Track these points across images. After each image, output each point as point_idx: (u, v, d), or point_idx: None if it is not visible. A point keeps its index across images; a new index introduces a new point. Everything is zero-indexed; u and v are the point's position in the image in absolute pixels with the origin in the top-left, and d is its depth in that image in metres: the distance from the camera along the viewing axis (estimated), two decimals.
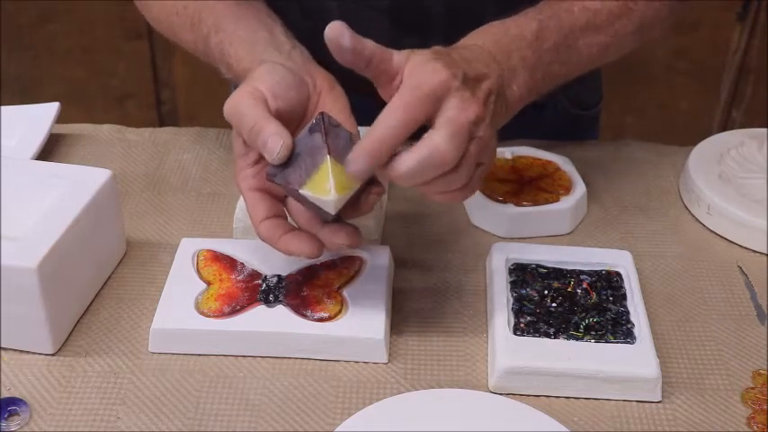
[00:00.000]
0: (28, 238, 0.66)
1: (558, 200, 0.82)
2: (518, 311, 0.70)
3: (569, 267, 0.74)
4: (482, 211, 0.82)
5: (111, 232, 0.76)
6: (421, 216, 0.84)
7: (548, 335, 0.68)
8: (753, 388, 0.67)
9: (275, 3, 0.80)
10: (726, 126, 2.00)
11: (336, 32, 0.60)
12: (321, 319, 0.69)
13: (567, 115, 1.01)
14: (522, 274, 0.73)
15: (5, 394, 0.65)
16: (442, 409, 0.63)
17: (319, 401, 0.65)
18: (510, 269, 0.74)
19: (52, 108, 0.92)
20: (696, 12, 1.86)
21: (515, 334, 0.68)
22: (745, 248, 0.81)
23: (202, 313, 0.69)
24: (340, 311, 0.69)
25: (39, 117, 0.91)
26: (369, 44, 0.61)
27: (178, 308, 0.70)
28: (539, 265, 0.74)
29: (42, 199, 0.71)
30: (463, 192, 0.64)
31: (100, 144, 0.93)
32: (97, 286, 0.74)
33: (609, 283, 0.73)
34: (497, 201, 0.81)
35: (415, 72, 0.61)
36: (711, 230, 0.83)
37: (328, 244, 0.65)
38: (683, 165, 0.88)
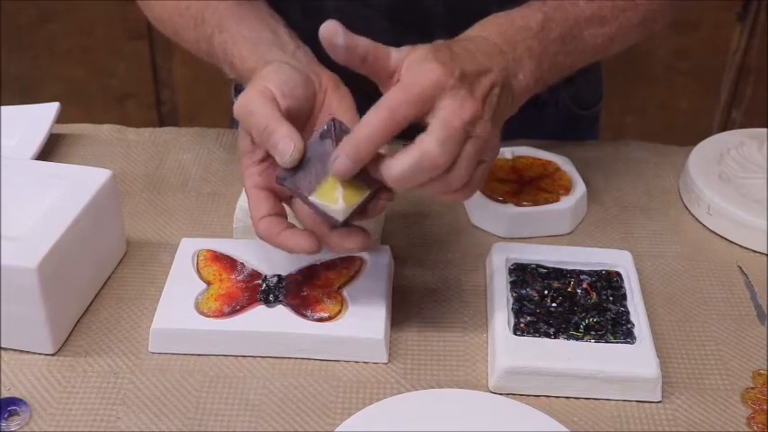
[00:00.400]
0: (28, 238, 0.66)
1: (558, 200, 0.82)
2: (518, 311, 0.70)
3: (569, 267, 0.74)
4: (482, 211, 0.82)
5: (111, 232, 0.76)
6: (421, 216, 0.84)
7: (548, 335, 0.68)
8: (753, 388, 0.67)
9: (276, 3, 0.80)
10: (726, 126, 2.00)
11: (330, 31, 0.60)
12: (321, 319, 0.69)
13: (567, 115, 1.01)
14: (522, 274, 0.73)
15: (5, 394, 0.65)
16: (442, 409, 0.63)
17: (319, 401, 0.65)
18: (510, 269, 0.74)
19: (52, 108, 0.92)
20: (696, 12, 1.86)
21: (515, 334, 0.68)
22: (745, 248, 0.81)
23: (202, 313, 0.69)
24: (340, 311, 0.69)
25: (39, 117, 0.91)
26: (362, 41, 0.61)
27: (178, 308, 0.70)
28: (539, 265, 0.74)
29: (42, 199, 0.71)
30: (464, 191, 0.63)
31: (100, 144, 0.93)
32: (97, 286, 0.74)
33: (609, 283, 0.73)
34: (497, 201, 0.82)
35: (410, 71, 0.61)
36: (711, 230, 0.83)
37: (337, 248, 0.65)
38: (683, 165, 0.88)
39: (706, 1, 1.79)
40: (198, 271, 0.73)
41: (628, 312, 0.70)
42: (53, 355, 0.69)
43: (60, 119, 0.93)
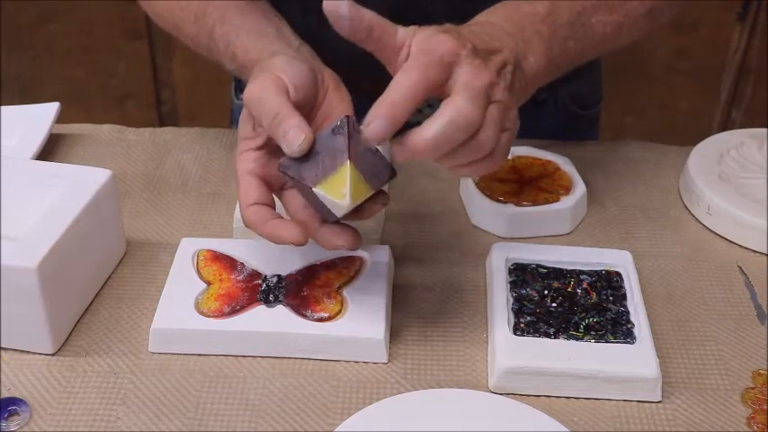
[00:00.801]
0: (28, 238, 0.66)
1: (558, 200, 0.82)
2: (518, 311, 0.70)
3: (569, 267, 0.74)
4: (482, 211, 0.82)
5: (111, 232, 0.76)
6: (421, 216, 0.84)
7: (548, 335, 0.68)
8: (753, 388, 0.67)
9: (276, 2, 0.80)
10: (726, 126, 2.00)
11: (334, 3, 0.59)
12: (321, 319, 0.69)
13: (567, 115, 1.01)
14: (522, 274, 0.73)
15: (5, 394, 0.65)
16: (442, 409, 0.63)
17: (319, 401, 0.65)
18: (510, 269, 0.74)
19: (52, 108, 0.92)
20: (696, 12, 1.86)
21: (515, 334, 0.68)
22: (745, 248, 0.81)
23: (202, 313, 0.69)
24: (340, 311, 0.69)
25: (39, 117, 0.91)
26: (368, 14, 0.61)
27: (178, 308, 0.70)
28: (539, 265, 0.74)
29: (42, 199, 0.71)
30: (491, 160, 0.63)
31: (100, 144, 0.93)
32: (97, 286, 0.74)
33: (609, 283, 0.73)
34: (497, 201, 0.82)
35: (423, 43, 0.61)
36: (711, 230, 0.83)
37: (326, 244, 0.65)
38: (683, 165, 0.88)
39: (706, 1, 1.79)
40: (198, 271, 0.73)
41: (628, 312, 0.70)
42: (53, 355, 0.69)
43: (60, 119, 0.93)
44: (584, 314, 0.70)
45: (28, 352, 0.69)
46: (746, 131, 0.92)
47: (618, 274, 0.74)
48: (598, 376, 0.65)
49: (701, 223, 0.84)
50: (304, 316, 0.69)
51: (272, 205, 0.66)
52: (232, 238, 0.79)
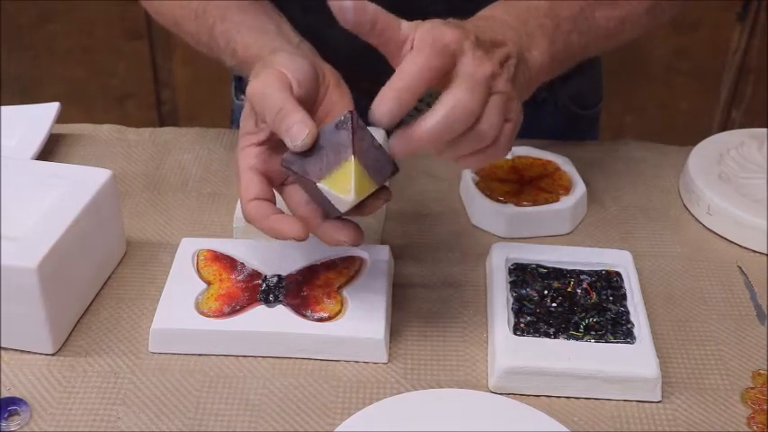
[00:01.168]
0: (28, 238, 0.66)
1: (558, 200, 0.82)
2: (518, 311, 0.70)
3: (569, 267, 0.74)
4: (482, 211, 0.82)
5: (111, 232, 0.76)
6: (421, 216, 0.84)
7: (548, 335, 0.68)
8: (753, 388, 0.67)
9: (277, 2, 0.80)
10: (726, 126, 2.00)
11: None
12: (321, 319, 0.69)
13: (567, 115, 1.01)
14: (522, 274, 0.73)
15: (5, 394, 0.65)
16: (442, 409, 0.63)
17: (319, 401, 0.65)
18: (510, 269, 0.74)
19: (52, 108, 0.92)
20: (696, 12, 1.86)
21: (515, 334, 0.68)
22: (745, 248, 0.81)
23: (202, 313, 0.69)
24: (340, 311, 0.69)
25: (39, 117, 0.91)
26: (372, 6, 0.61)
27: (178, 308, 0.70)
28: (539, 265, 0.74)
29: (42, 199, 0.71)
30: (494, 150, 0.63)
31: (100, 144, 0.93)
32: (97, 286, 0.74)
33: (609, 283, 0.73)
34: (497, 201, 0.82)
35: (427, 33, 0.61)
36: (711, 230, 0.83)
37: (328, 239, 0.65)
38: (683, 165, 0.88)
39: (706, 1, 1.79)
40: (198, 271, 0.73)
41: (628, 312, 0.70)
42: (53, 354, 0.69)
43: (60, 119, 0.93)
44: (584, 314, 0.70)
45: (28, 352, 0.69)
46: (746, 131, 0.92)
47: (618, 274, 0.74)
48: (598, 376, 0.65)
49: (700, 223, 0.84)
50: (304, 316, 0.69)
51: (272, 201, 0.66)
52: (232, 238, 0.79)
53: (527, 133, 0.89)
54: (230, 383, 0.67)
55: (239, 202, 0.79)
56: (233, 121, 1.10)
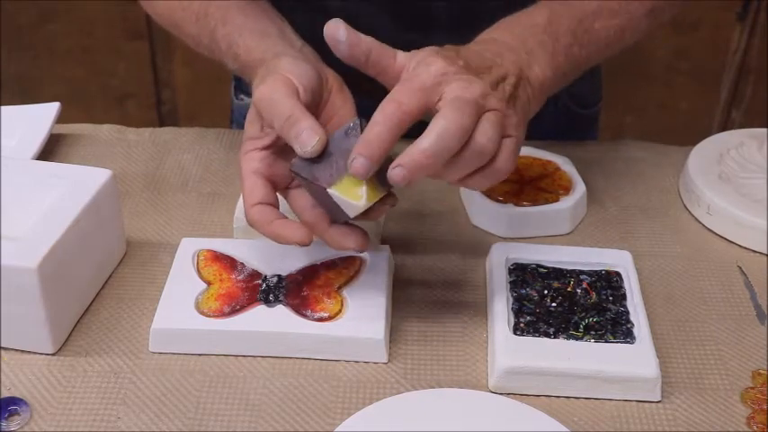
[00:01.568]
0: (28, 238, 0.66)
1: (557, 200, 0.82)
2: (518, 311, 0.70)
3: (569, 267, 0.74)
4: (482, 211, 0.82)
5: (111, 232, 0.76)
6: (421, 216, 0.84)
7: (548, 335, 0.68)
8: (752, 388, 0.67)
9: (277, 2, 0.80)
10: (726, 126, 2.00)
11: (333, 28, 0.61)
12: (321, 319, 0.69)
13: (566, 113, 1.01)
14: (521, 274, 0.73)
15: (6, 394, 0.65)
16: (442, 409, 0.63)
17: (319, 401, 0.65)
18: (510, 269, 0.74)
19: (52, 108, 0.92)
20: (696, 12, 1.86)
21: (515, 334, 0.68)
22: (745, 248, 0.81)
23: (202, 313, 0.69)
24: (340, 311, 0.69)
25: (39, 117, 0.91)
26: (366, 39, 0.62)
27: (178, 308, 0.70)
28: (539, 265, 0.74)
29: (42, 199, 0.71)
30: (495, 167, 0.63)
31: (100, 144, 0.93)
32: (97, 286, 0.74)
33: (609, 282, 0.73)
34: (497, 201, 0.82)
35: (414, 68, 0.62)
36: (711, 230, 0.83)
37: (335, 245, 0.65)
38: (683, 165, 0.88)
39: (706, 1, 1.79)
40: (198, 271, 0.73)
41: (627, 312, 0.70)
42: (53, 354, 0.69)
43: (60, 119, 0.93)
44: (583, 314, 0.70)
45: (28, 352, 0.69)
46: (746, 131, 0.92)
47: (618, 274, 0.74)
48: (598, 376, 0.65)
49: (700, 223, 0.84)
50: (304, 316, 0.69)
51: (276, 205, 0.66)
52: (232, 238, 0.79)
53: (527, 133, 0.90)
54: (230, 383, 0.67)
55: (239, 202, 0.79)
56: (233, 121, 1.10)
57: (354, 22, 0.62)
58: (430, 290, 0.75)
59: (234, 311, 0.69)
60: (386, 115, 0.60)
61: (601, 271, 0.74)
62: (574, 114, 1.02)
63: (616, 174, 0.90)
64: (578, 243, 0.80)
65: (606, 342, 0.67)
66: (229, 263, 0.74)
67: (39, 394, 0.65)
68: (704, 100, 1.99)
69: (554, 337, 0.68)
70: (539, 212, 0.81)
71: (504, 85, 0.64)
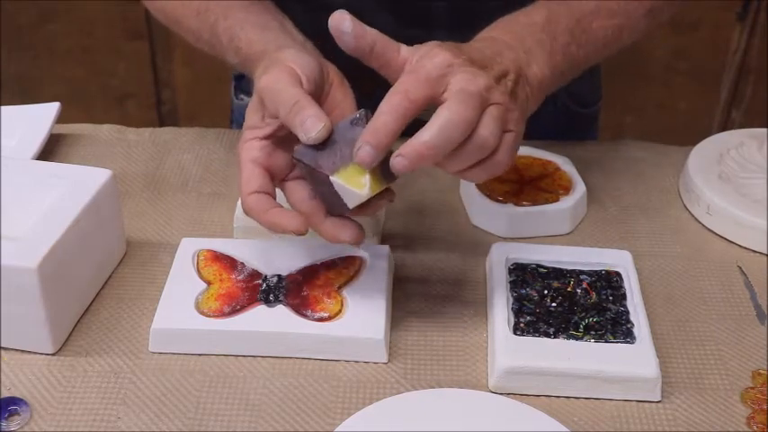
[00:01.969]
0: (28, 238, 0.66)
1: (557, 200, 0.82)
2: (518, 311, 0.70)
3: (569, 267, 0.74)
4: (482, 211, 0.82)
5: (111, 232, 0.76)
6: (421, 216, 0.84)
7: (548, 335, 0.68)
8: (752, 388, 0.67)
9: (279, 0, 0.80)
10: (726, 126, 2.00)
11: (338, 19, 0.61)
12: (321, 319, 0.69)
13: (566, 113, 1.01)
14: (521, 274, 0.73)
15: (6, 394, 0.65)
16: (442, 409, 0.63)
17: (319, 401, 0.65)
18: (510, 269, 0.74)
19: (52, 108, 0.92)
20: (696, 12, 1.86)
21: (515, 334, 0.68)
22: (745, 248, 0.81)
23: (202, 313, 0.69)
24: (340, 311, 0.69)
25: (39, 117, 0.91)
26: (371, 31, 0.62)
27: (178, 308, 0.70)
28: (539, 265, 0.74)
29: (42, 199, 0.71)
30: (495, 160, 0.63)
31: (100, 144, 0.93)
32: (97, 286, 0.74)
33: (609, 282, 0.73)
34: (497, 201, 0.82)
35: (419, 59, 0.62)
36: (711, 230, 0.83)
37: (330, 237, 0.65)
38: (683, 165, 0.88)
39: (706, 1, 1.79)
40: (198, 271, 0.73)
41: (627, 312, 0.70)
42: (53, 354, 0.69)
43: (60, 119, 0.93)
44: (583, 314, 0.70)
45: (28, 352, 0.69)
46: (746, 131, 0.92)
47: (618, 273, 0.74)
48: (598, 376, 0.65)
49: (700, 223, 0.84)
50: (304, 316, 0.69)
51: (273, 195, 0.66)
52: (232, 238, 0.79)
53: (527, 133, 0.89)
54: (230, 383, 0.67)
55: (239, 201, 0.79)
56: (233, 121, 1.10)
57: (355, 17, 0.63)
58: (430, 290, 0.75)
59: (234, 311, 0.69)
60: (392, 105, 0.60)
61: (601, 271, 0.74)
62: (573, 114, 1.02)
63: (616, 174, 0.90)
64: (578, 243, 0.80)
65: (606, 342, 0.67)
66: (229, 263, 0.74)
67: (39, 394, 0.65)
68: (704, 100, 1.99)
69: (554, 337, 0.68)
70: (539, 212, 0.81)
71: (505, 81, 0.64)
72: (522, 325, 0.69)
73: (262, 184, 0.65)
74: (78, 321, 0.71)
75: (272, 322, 0.69)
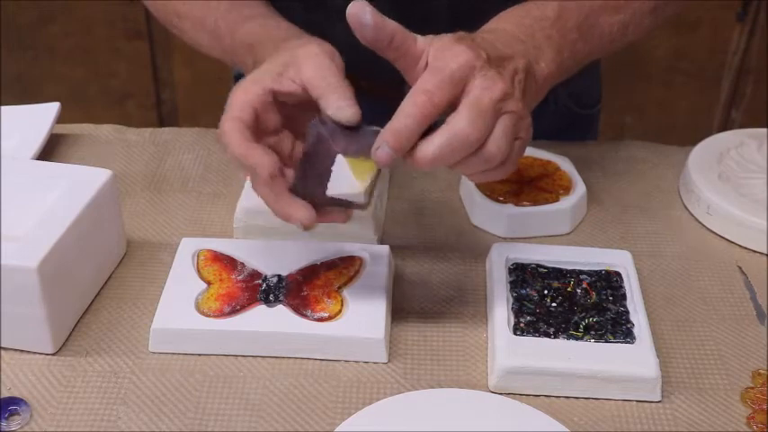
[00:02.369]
0: (28, 238, 0.66)
1: (557, 200, 0.82)
2: (518, 311, 0.70)
3: (569, 267, 0.74)
4: (482, 211, 0.82)
5: (111, 232, 0.76)
6: (421, 216, 0.84)
7: (548, 335, 0.68)
8: (752, 388, 0.67)
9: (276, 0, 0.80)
10: (726, 126, 2.00)
11: (358, 9, 0.60)
12: (321, 319, 0.69)
13: (566, 114, 1.01)
14: (521, 274, 0.73)
15: (6, 394, 0.65)
16: (442, 409, 0.63)
17: (319, 401, 0.65)
18: (510, 269, 0.74)
19: (52, 108, 0.92)
20: (696, 12, 1.86)
21: (515, 334, 0.68)
22: (745, 248, 0.81)
23: (203, 313, 0.69)
24: (340, 311, 0.69)
25: (39, 117, 0.91)
26: (390, 23, 0.61)
27: (178, 308, 0.70)
28: (539, 265, 0.74)
29: (42, 199, 0.71)
30: (502, 168, 0.63)
31: (100, 144, 0.93)
32: (97, 286, 0.74)
33: (608, 282, 0.73)
34: (497, 201, 0.82)
35: (439, 55, 0.62)
36: (711, 230, 0.83)
37: (282, 212, 0.64)
38: (683, 165, 0.88)
39: (706, 1, 1.79)
40: (198, 271, 0.73)
41: (627, 312, 0.70)
42: (53, 354, 0.69)
43: (60, 119, 0.93)
44: (583, 314, 0.70)
45: (28, 352, 0.69)
46: (746, 131, 0.92)
47: (618, 273, 0.74)
48: (598, 376, 0.65)
49: (700, 223, 0.84)
50: (304, 316, 0.69)
51: (252, 130, 0.64)
52: (232, 238, 0.79)
53: None
54: (230, 383, 0.67)
55: (239, 202, 0.79)
56: None
57: None
58: (430, 290, 0.75)
59: (234, 311, 0.69)
60: (417, 107, 0.60)
61: (601, 271, 0.74)
62: (574, 115, 1.02)
63: (616, 174, 0.90)
64: (578, 243, 0.80)
65: (606, 342, 0.67)
66: (229, 263, 0.74)
67: (39, 394, 0.65)
68: (704, 100, 1.99)
69: (554, 337, 0.68)
70: (539, 212, 0.81)
71: (518, 79, 0.64)
72: (522, 325, 0.69)
73: (247, 115, 0.64)
74: (78, 321, 0.71)
75: (271, 322, 0.69)
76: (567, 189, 0.83)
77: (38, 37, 1.95)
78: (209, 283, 0.72)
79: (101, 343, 0.70)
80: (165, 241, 0.80)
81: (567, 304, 0.71)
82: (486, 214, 0.82)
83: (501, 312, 0.69)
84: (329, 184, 0.62)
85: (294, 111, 0.68)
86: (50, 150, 0.91)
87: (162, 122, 2.04)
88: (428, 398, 0.64)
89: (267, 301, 0.70)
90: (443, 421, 0.62)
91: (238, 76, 1.05)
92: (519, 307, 0.70)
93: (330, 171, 0.62)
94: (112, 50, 1.97)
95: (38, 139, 0.88)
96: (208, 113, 1.97)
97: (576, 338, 0.68)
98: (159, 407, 0.65)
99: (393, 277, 0.75)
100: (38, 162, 0.82)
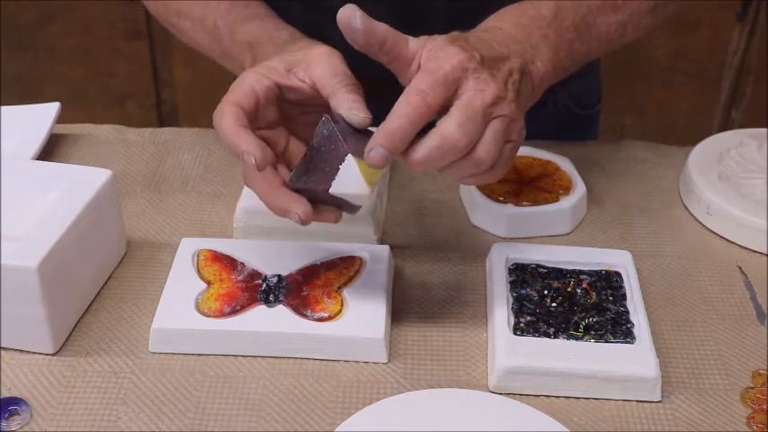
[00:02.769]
0: (28, 238, 0.66)
1: (557, 200, 0.82)
2: (518, 311, 0.70)
3: (569, 267, 0.74)
4: (482, 211, 0.82)
5: (111, 232, 0.76)
6: (421, 216, 0.84)
7: (548, 335, 0.68)
8: (752, 388, 0.67)
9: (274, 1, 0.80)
10: (726, 126, 2.00)
11: (348, 14, 0.60)
12: (321, 319, 0.69)
13: (566, 114, 1.01)
14: (521, 274, 0.73)
15: (6, 394, 0.65)
16: (442, 409, 0.63)
17: (319, 401, 0.65)
18: (510, 269, 0.74)
19: (52, 108, 0.92)
20: (696, 12, 1.86)
21: (515, 334, 0.68)
22: (745, 248, 0.81)
23: (203, 313, 0.69)
24: (340, 311, 0.69)
25: (39, 117, 0.91)
26: (381, 26, 0.61)
27: (178, 308, 0.70)
28: (539, 265, 0.74)
29: (42, 199, 0.71)
30: (493, 171, 0.64)
31: (100, 144, 0.93)
32: (97, 286, 0.74)
33: (609, 282, 0.73)
34: (497, 201, 0.82)
35: (432, 56, 0.62)
36: (711, 230, 0.83)
37: (277, 207, 0.64)
38: (683, 165, 0.88)
39: (706, 1, 1.79)
40: (198, 271, 0.73)
41: (627, 312, 0.70)
42: (53, 354, 0.69)
43: (60, 119, 0.93)
44: (583, 314, 0.70)
45: (28, 352, 0.69)
46: (746, 131, 0.92)
47: (618, 273, 0.74)
48: (598, 376, 0.65)
49: (700, 223, 0.84)
50: (304, 316, 0.69)
51: (250, 118, 0.64)
52: (232, 238, 0.79)
53: (526, 133, 0.90)
54: (230, 383, 0.67)
55: (239, 202, 0.79)
56: None
57: None
58: (430, 290, 0.75)
59: (234, 311, 0.69)
60: (411, 107, 0.60)
61: (601, 271, 0.74)
62: (573, 115, 1.02)
63: (616, 174, 0.90)
64: (578, 243, 0.80)
65: (606, 342, 0.67)
66: (229, 263, 0.74)
67: (39, 394, 0.65)
68: (704, 100, 1.99)
69: (554, 337, 0.68)
70: (539, 212, 0.81)
71: (512, 80, 0.64)
72: (522, 325, 0.69)
73: (249, 103, 0.64)
74: (78, 321, 0.71)
75: (271, 322, 0.69)
76: (567, 189, 0.83)
77: (38, 37, 1.95)
78: (209, 283, 0.72)
79: (101, 343, 0.70)
80: (165, 241, 0.80)
81: (567, 304, 0.71)
82: (486, 214, 0.82)
83: (501, 312, 0.69)
84: (334, 183, 0.62)
85: (294, 110, 0.68)
86: (50, 150, 0.91)
87: (162, 122, 2.04)
88: (428, 398, 0.64)
89: (267, 301, 0.70)
90: (443, 421, 0.62)
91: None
92: (519, 307, 0.70)
93: (337, 169, 0.62)
94: (112, 50, 1.96)
95: (38, 139, 0.88)
96: (208, 114, 1.96)
97: (576, 338, 0.68)
98: (159, 407, 0.65)
99: (393, 277, 0.75)
100: (38, 162, 0.82)
